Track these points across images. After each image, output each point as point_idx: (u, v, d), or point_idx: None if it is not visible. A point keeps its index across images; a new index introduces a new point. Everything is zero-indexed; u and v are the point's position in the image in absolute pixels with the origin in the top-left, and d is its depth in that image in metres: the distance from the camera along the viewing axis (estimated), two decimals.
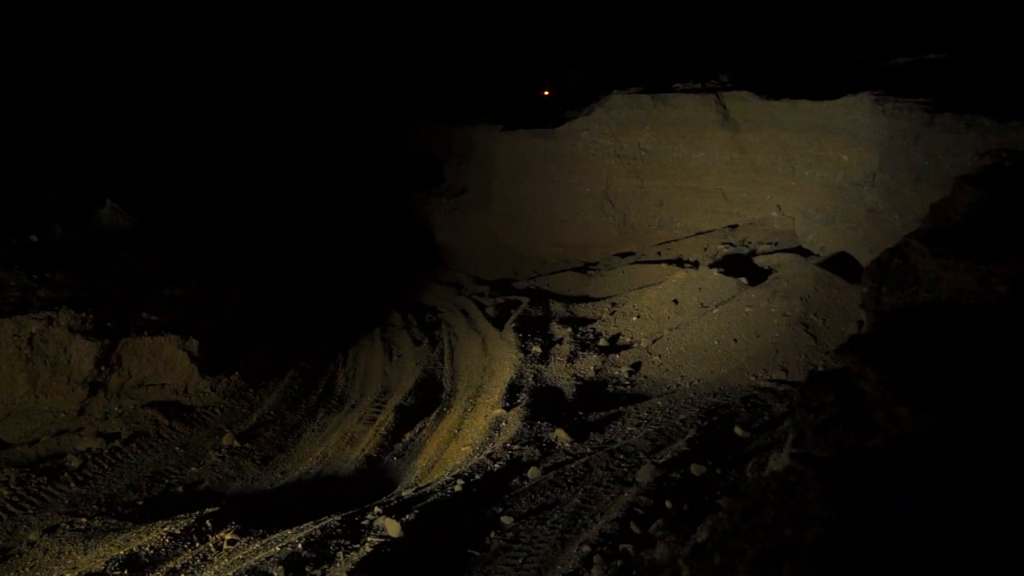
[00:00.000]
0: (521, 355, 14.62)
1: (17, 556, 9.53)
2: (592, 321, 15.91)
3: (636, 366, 13.38)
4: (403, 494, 10.00)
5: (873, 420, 3.69)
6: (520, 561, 7.70)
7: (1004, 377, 3.91)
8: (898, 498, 3.06)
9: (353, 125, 30.83)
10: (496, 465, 10.21)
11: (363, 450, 12.22)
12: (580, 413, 11.83)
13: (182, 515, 10.07)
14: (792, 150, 17.41)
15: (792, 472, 3.15)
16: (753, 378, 11.88)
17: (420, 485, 10.44)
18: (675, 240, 19.21)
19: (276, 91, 33.03)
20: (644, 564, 6.74)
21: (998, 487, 3.14)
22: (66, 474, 11.40)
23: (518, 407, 12.26)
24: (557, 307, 17.15)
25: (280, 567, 8.17)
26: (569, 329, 15.51)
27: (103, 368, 13.16)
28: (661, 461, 9.22)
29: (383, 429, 12.75)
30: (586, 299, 17.43)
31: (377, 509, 9.36)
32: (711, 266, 16.36)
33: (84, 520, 10.28)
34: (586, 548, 7.55)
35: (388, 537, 8.37)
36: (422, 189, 25.82)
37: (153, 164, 24.60)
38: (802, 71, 19.53)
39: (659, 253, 18.78)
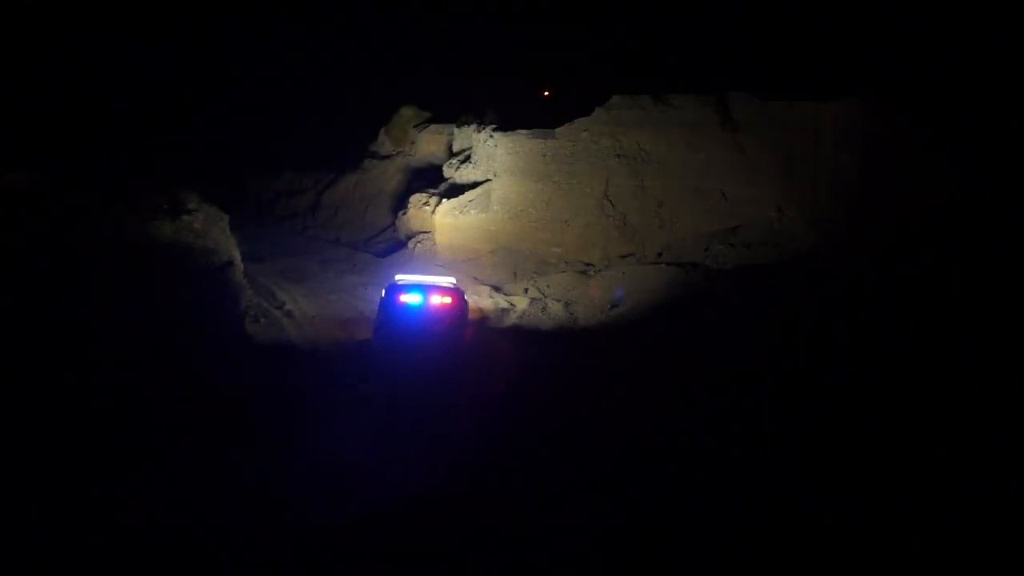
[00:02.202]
0: (520, 357, 14.60)
1: None
2: (591, 323, 15.89)
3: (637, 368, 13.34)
4: None
5: None
6: None
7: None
8: None
9: (353, 125, 30.83)
10: None
11: None
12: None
13: None
14: (791, 150, 17.40)
15: None
16: None
17: None
18: (676, 241, 19.16)
19: (276, 91, 33.06)
20: None
21: None
22: None
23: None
24: (556, 308, 17.13)
25: None
26: (569, 330, 15.50)
27: None
28: None
29: None
30: (585, 300, 17.39)
31: None
32: (709, 266, 16.35)
33: None
34: None
35: None
36: (422, 189, 25.78)
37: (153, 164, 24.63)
38: (802, 71, 19.50)
39: (660, 254, 18.74)
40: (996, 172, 11.92)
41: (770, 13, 20.24)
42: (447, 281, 15.19)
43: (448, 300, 14.03)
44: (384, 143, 29.64)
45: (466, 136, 25.02)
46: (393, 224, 26.56)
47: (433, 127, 27.91)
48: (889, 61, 17.88)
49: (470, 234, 22.68)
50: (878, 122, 14.52)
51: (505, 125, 22.96)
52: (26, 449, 7.22)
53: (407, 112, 29.37)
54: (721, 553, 5.90)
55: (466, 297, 15.04)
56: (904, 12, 16.76)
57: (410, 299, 13.82)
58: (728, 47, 21.77)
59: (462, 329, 14.32)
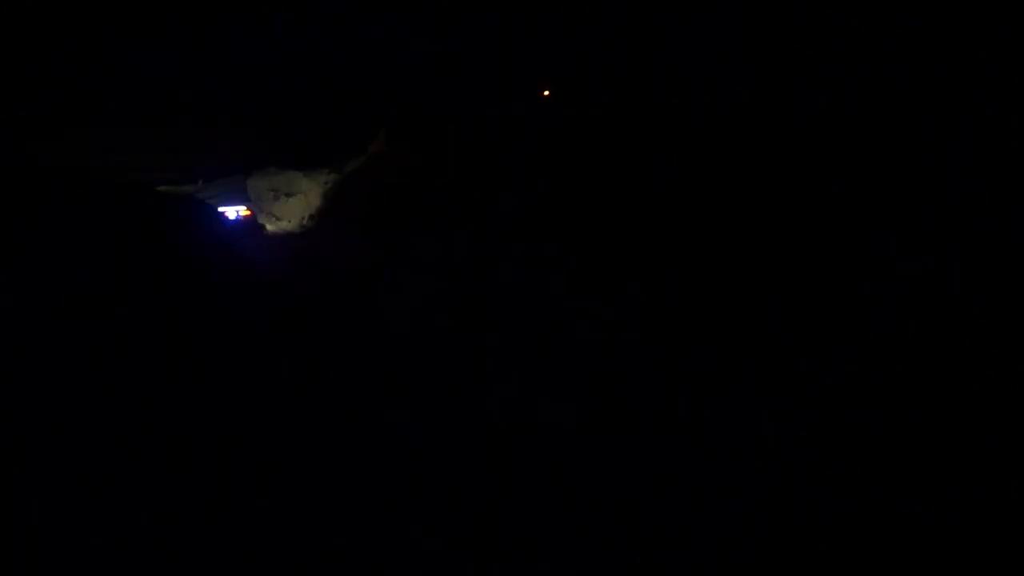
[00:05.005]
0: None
1: None
2: None
3: None
4: None
5: None
6: None
7: None
8: None
9: (353, 125, 30.80)
10: None
11: None
12: None
13: None
14: None
15: None
16: None
17: None
18: None
19: (276, 90, 33.00)
20: None
21: None
22: None
23: None
24: None
25: None
26: None
27: None
28: None
29: None
30: None
31: None
32: None
33: None
34: None
35: None
36: (421, 189, 25.74)
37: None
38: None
39: None
40: (996, 172, 11.91)
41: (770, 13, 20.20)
42: (244, 208, 28.06)
43: (247, 212, 27.34)
44: (384, 143, 29.63)
45: (467, 137, 25.04)
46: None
47: (433, 127, 27.91)
48: (889, 61, 17.83)
49: None
50: None
51: (505, 126, 22.97)
52: None
53: (406, 112, 29.35)
54: (721, 553, 5.89)
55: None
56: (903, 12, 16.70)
57: (229, 212, 25.99)
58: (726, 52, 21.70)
59: (258, 224, 27.37)
